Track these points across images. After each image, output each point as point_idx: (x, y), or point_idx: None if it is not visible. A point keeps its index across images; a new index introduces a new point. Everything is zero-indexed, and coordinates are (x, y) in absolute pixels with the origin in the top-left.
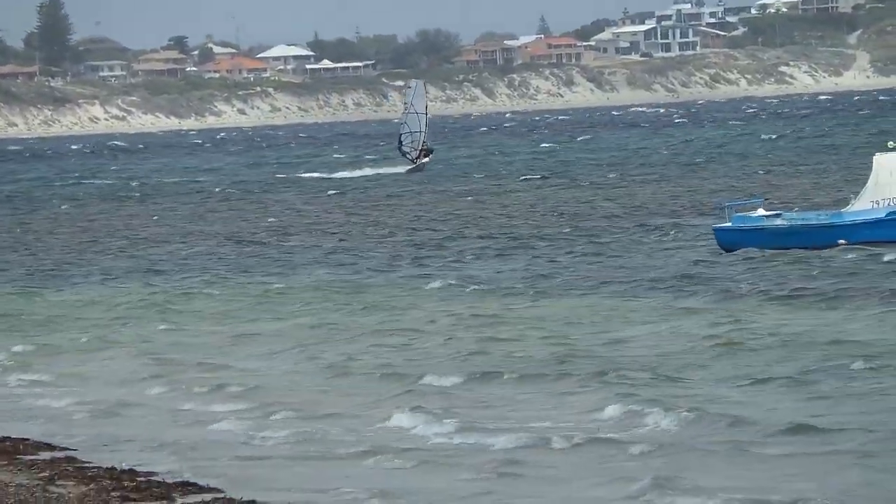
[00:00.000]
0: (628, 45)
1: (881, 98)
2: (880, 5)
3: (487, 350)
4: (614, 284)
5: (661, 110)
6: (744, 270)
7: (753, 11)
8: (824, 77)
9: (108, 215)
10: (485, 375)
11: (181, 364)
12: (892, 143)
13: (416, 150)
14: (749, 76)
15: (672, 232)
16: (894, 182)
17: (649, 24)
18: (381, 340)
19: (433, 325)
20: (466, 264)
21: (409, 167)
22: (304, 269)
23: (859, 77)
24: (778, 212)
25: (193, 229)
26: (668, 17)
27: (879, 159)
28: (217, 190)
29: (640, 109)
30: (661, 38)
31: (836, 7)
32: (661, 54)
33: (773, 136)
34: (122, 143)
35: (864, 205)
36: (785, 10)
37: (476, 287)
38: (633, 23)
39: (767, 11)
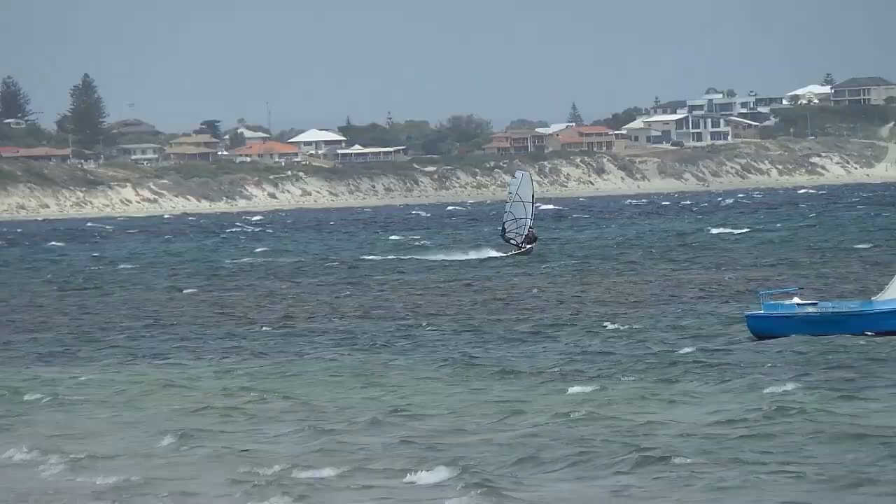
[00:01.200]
0: (659, 133)
1: None
2: None
3: None
4: (648, 368)
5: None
6: (769, 357)
7: (785, 102)
8: (856, 168)
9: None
10: None
11: None
12: None
13: (521, 235)
14: (780, 166)
15: (707, 317)
16: None
17: (681, 114)
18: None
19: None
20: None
21: (513, 251)
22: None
23: (891, 169)
24: (813, 301)
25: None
26: (700, 107)
27: None
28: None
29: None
30: (693, 128)
31: (869, 100)
32: (692, 143)
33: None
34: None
35: (894, 294)
36: (817, 101)
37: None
38: (664, 112)
39: (799, 103)
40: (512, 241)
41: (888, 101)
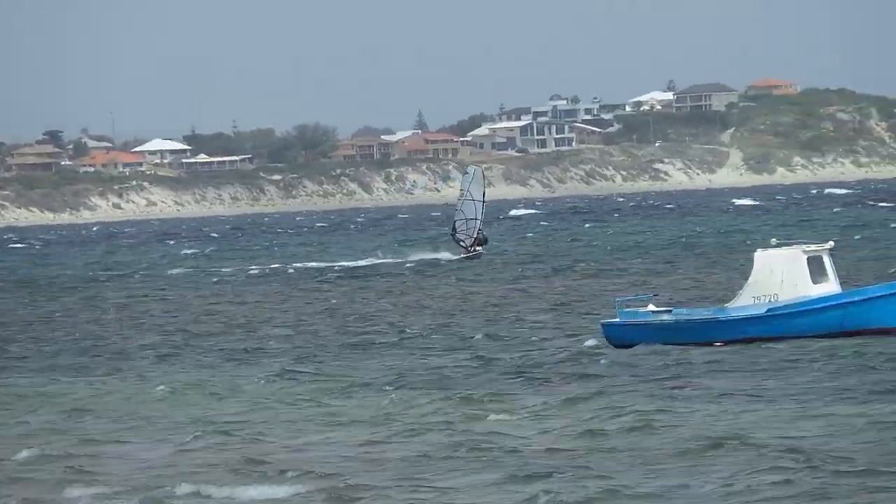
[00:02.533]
0: (504, 140)
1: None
2: (752, 104)
3: None
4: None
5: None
6: (621, 363)
7: (628, 108)
8: (698, 174)
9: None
10: None
11: None
12: (774, 240)
13: (470, 237)
14: (624, 172)
15: (564, 326)
16: (774, 279)
17: (525, 121)
18: None
19: None
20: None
21: (464, 255)
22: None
23: (732, 174)
24: (668, 308)
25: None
26: (544, 114)
27: (760, 256)
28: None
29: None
30: (537, 135)
31: (710, 105)
32: (536, 150)
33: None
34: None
35: (746, 301)
36: (659, 107)
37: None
38: (509, 119)
39: (642, 109)
40: (462, 244)
41: (729, 108)
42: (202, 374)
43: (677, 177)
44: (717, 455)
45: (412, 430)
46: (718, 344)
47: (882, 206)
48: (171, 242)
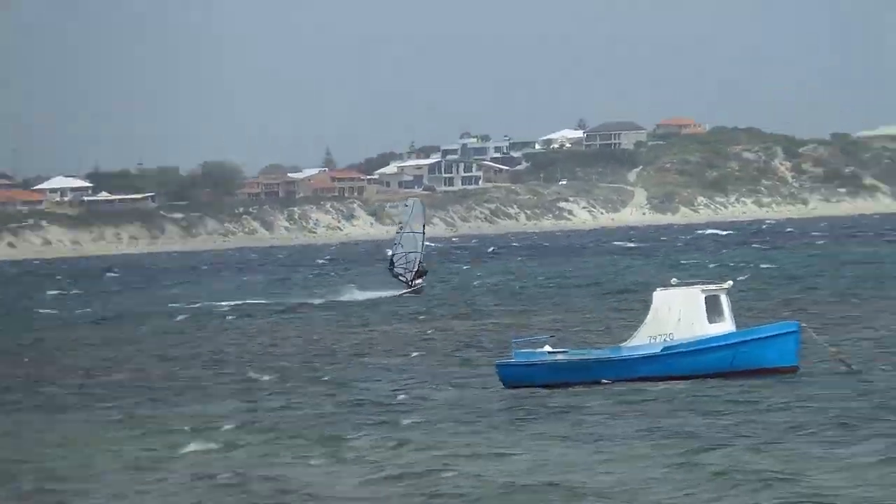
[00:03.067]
0: (412, 178)
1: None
2: (660, 143)
3: None
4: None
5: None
6: (507, 405)
7: (538, 147)
8: (602, 213)
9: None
10: None
11: None
12: (675, 279)
13: (411, 271)
14: (529, 211)
15: (466, 367)
16: (671, 318)
17: (435, 159)
18: None
19: None
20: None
21: (407, 290)
22: None
23: (636, 213)
24: (564, 349)
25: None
26: (454, 152)
27: (659, 295)
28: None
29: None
30: (445, 173)
31: (620, 144)
32: (443, 188)
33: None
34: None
35: (642, 340)
36: (569, 145)
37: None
38: (419, 156)
39: (551, 147)
40: (401, 278)
41: (637, 146)
42: None
43: (581, 215)
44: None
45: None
46: (606, 382)
47: (755, 247)
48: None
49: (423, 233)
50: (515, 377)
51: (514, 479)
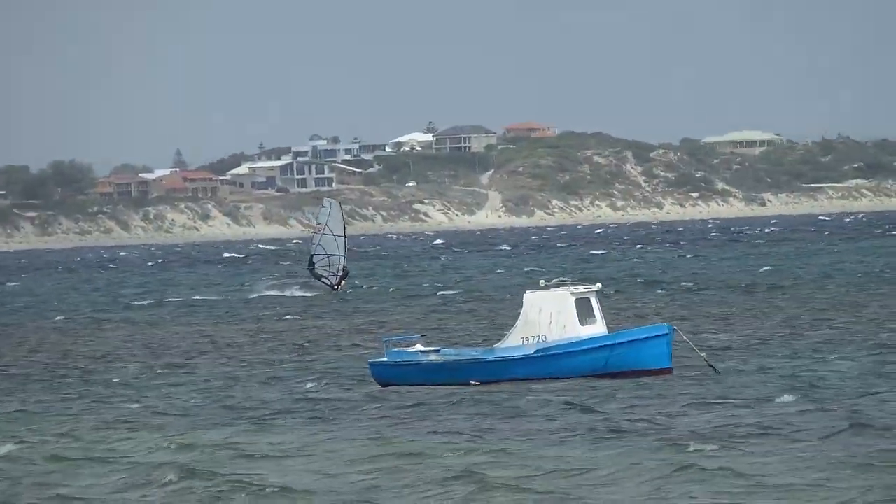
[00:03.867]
0: (265, 179)
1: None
2: (511, 146)
3: None
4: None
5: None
6: (374, 405)
7: (388, 149)
8: (458, 215)
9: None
10: None
11: None
12: (543, 281)
13: (335, 274)
14: (384, 213)
15: (340, 366)
16: (543, 319)
17: (286, 160)
18: None
19: None
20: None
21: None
22: None
23: (492, 216)
24: (437, 347)
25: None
26: (305, 153)
27: (529, 297)
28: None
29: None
30: (298, 174)
31: (469, 147)
32: (297, 189)
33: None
34: None
35: (515, 341)
36: (420, 148)
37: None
38: (269, 158)
39: (402, 150)
40: (325, 280)
41: (488, 149)
42: None
43: (437, 217)
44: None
45: None
46: (475, 383)
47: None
48: None
49: (345, 235)
50: (388, 376)
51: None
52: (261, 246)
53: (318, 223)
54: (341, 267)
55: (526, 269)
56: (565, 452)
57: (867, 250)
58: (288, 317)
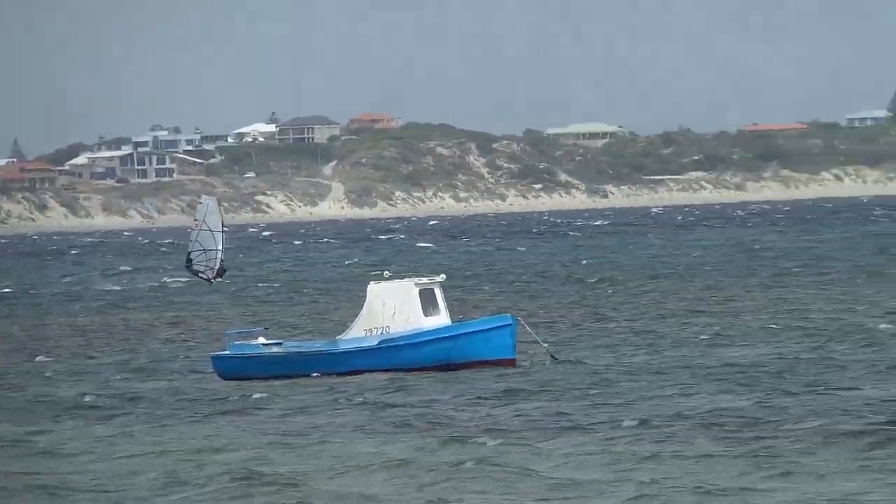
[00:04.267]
0: (104, 170)
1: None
2: (354, 138)
3: None
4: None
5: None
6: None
7: (230, 140)
8: (300, 206)
9: None
10: None
11: None
12: (387, 272)
13: (212, 269)
14: (226, 204)
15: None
16: (386, 311)
17: (126, 150)
18: None
19: None
20: None
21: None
22: None
23: (334, 207)
24: (279, 340)
25: None
26: (145, 144)
27: (373, 288)
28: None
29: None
30: (138, 165)
31: (312, 138)
32: (137, 180)
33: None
34: None
35: (358, 333)
36: (262, 139)
37: None
38: (109, 148)
39: (244, 141)
40: (201, 276)
41: (331, 140)
42: None
43: (279, 209)
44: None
45: None
46: (316, 375)
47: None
48: None
49: (223, 231)
50: (231, 370)
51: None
52: (89, 240)
53: (195, 220)
54: (218, 261)
55: (346, 262)
56: (352, 447)
57: (691, 243)
58: (110, 310)
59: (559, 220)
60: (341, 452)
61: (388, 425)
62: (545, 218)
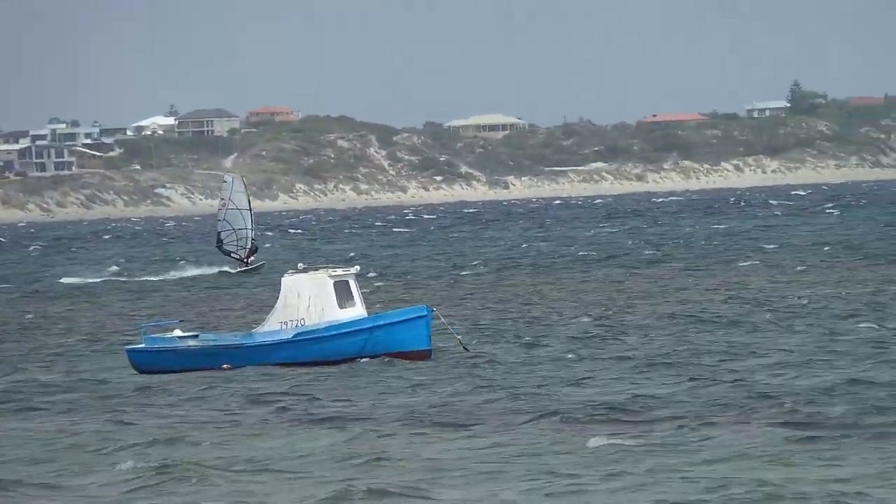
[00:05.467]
0: (2, 163)
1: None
2: (254, 130)
3: None
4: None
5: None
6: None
7: (130, 133)
8: (201, 199)
9: None
10: None
11: None
12: (301, 264)
13: (244, 248)
14: (126, 197)
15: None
16: (301, 303)
17: (24, 144)
18: None
19: None
20: None
21: (240, 268)
22: None
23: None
24: (195, 332)
25: None
26: (43, 137)
27: (287, 280)
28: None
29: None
30: (37, 158)
31: (213, 131)
32: (36, 173)
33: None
34: None
35: (274, 326)
36: (161, 132)
37: None
38: (6, 142)
39: (144, 134)
40: (234, 256)
41: (231, 133)
42: None
43: (180, 202)
44: None
45: None
46: (226, 367)
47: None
48: None
49: (251, 209)
50: (146, 363)
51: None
52: None
53: (221, 199)
54: (249, 241)
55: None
56: (259, 442)
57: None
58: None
59: (521, 209)
60: (246, 446)
61: (296, 418)
62: (440, 209)
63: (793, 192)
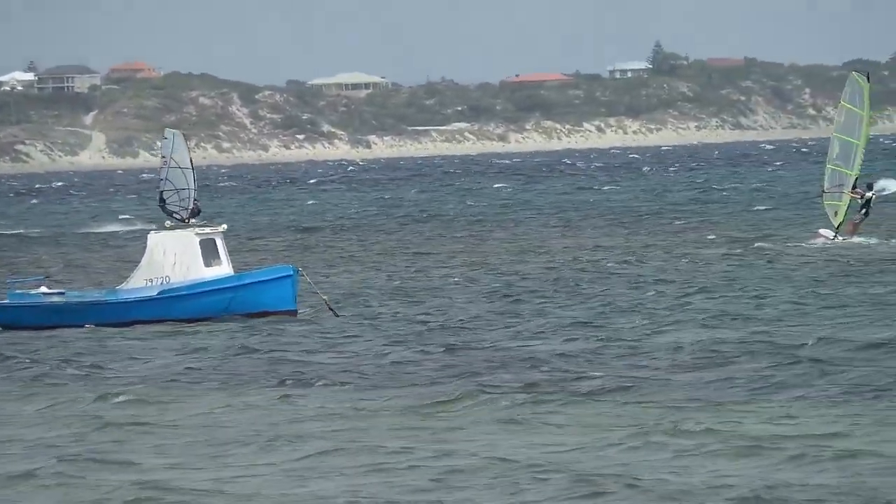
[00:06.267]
0: None
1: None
2: (116, 87)
3: None
4: None
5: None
6: None
7: None
8: (61, 156)
9: None
10: None
11: None
12: (168, 222)
13: (186, 209)
14: None
15: None
16: (167, 261)
17: None
18: None
19: None
20: None
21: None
22: None
23: (95, 157)
24: (62, 290)
25: None
26: None
27: (153, 237)
28: None
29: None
30: None
31: (73, 87)
32: None
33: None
34: None
35: (139, 283)
36: (21, 88)
37: None
38: None
39: (2, 89)
40: (176, 216)
41: (92, 90)
42: None
43: (39, 159)
44: None
45: None
46: (89, 325)
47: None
48: None
49: (192, 168)
50: (9, 319)
51: None
52: None
53: (161, 157)
54: (191, 200)
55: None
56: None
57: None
58: None
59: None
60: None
61: (155, 376)
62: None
63: (630, 156)
